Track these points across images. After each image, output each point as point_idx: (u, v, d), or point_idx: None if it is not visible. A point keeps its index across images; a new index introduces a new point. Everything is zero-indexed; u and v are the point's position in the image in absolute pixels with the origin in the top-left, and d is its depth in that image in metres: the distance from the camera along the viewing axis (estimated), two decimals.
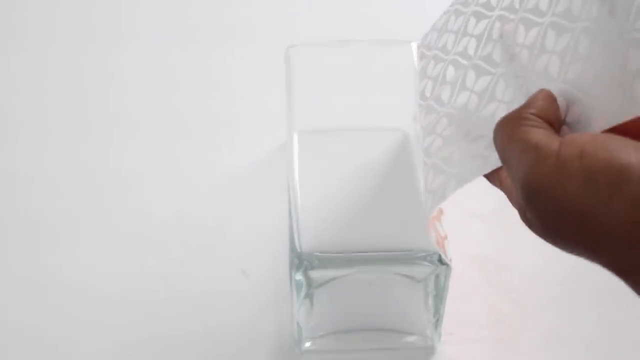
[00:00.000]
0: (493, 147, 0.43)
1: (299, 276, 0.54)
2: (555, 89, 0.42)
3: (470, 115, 0.49)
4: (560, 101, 0.42)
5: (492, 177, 0.45)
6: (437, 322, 0.58)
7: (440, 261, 0.53)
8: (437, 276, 0.54)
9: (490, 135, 0.43)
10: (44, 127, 0.73)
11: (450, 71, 0.52)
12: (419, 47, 0.61)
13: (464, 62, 0.52)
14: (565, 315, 0.61)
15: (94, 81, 0.77)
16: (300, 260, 0.54)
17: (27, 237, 0.66)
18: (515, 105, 0.44)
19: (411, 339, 0.59)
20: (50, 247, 0.65)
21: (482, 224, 0.65)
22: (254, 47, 0.78)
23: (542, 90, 0.42)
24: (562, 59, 0.43)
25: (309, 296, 0.55)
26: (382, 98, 0.61)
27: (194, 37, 0.80)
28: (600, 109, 0.40)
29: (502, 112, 0.46)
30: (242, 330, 0.61)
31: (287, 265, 0.54)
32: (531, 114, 0.40)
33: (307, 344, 0.59)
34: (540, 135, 0.39)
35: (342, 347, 0.59)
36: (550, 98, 0.41)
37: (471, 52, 0.51)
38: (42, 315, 0.62)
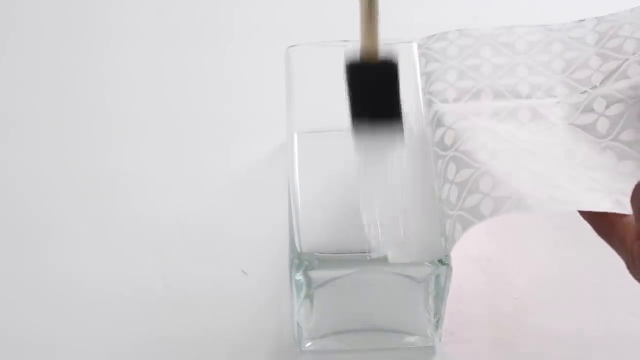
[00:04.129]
0: (611, 189, 0.43)
1: (299, 276, 0.54)
2: None
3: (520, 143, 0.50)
4: None
5: (612, 232, 0.45)
6: (438, 323, 0.58)
7: (441, 261, 0.53)
8: (438, 276, 0.54)
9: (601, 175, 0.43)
10: (44, 128, 0.73)
11: (487, 94, 0.56)
12: (420, 47, 0.61)
13: (509, 95, 0.55)
14: (565, 315, 0.61)
15: (95, 81, 0.77)
16: (300, 260, 0.54)
17: (27, 237, 0.66)
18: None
19: (411, 339, 0.59)
20: (50, 247, 0.65)
21: (482, 224, 0.65)
22: (254, 47, 0.78)
23: None
24: None
25: (309, 296, 0.55)
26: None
27: (194, 37, 0.80)
28: None
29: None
30: (241, 330, 0.61)
31: (287, 265, 0.54)
32: None
33: (307, 344, 0.59)
34: None
35: (342, 347, 0.59)
36: None
37: (522, 93, 0.54)
38: (41, 315, 0.62)
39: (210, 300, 0.62)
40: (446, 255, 0.53)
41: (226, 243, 0.65)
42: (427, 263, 0.54)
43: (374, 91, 0.53)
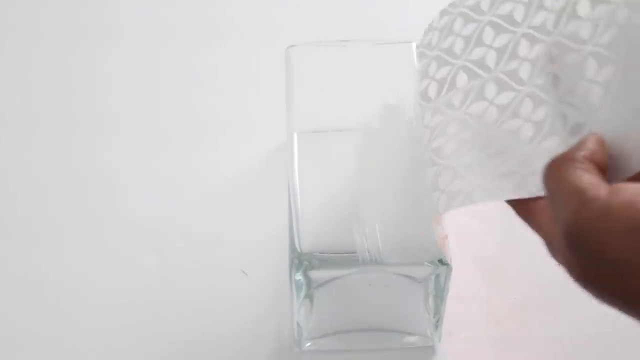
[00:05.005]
0: (529, 168, 0.43)
1: (299, 276, 0.54)
2: (598, 118, 0.43)
3: (487, 127, 0.49)
4: (603, 134, 0.42)
5: (528, 217, 0.44)
6: (438, 322, 0.58)
7: (441, 261, 0.53)
8: (438, 276, 0.54)
9: (515, 152, 0.43)
10: (44, 128, 0.73)
11: (463, 77, 0.53)
12: (418, 47, 0.61)
13: (479, 71, 0.52)
14: (565, 315, 0.61)
15: (94, 82, 0.77)
16: (300, 260, 0.54)
17: (25, 239, 0.66)
18: (546, 126, 0.44)
19: (411, 339, 0.59)
20: (50, 249, 0.65)
21: (482, 224, 0.65)
22: (254, 47, 0.78)
23: (593, 135, 0.42)
24: (605, 90, 0.43)
25: (309, 296, 0.55)
26: (382, 98, 0.61)
27: (194, 36, 0.80)
28: None
29: (528, 131, 0.46)
30: (241, 331, 0.61)
31: (287, 265, 0.54)
32: (583, 156, 0.40)
33: (307, 344, 0.59)
34: (590, 180, 0.39)
35: (342, 347, 0.59)
36: (601, 142, 0.42)
37: (490, 64, 0.51)
38: (39, 317, 0.62)
39: (210, 301, 0.62)
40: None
41: (226, 243, 0.65)
42: (427, 263, 0.54)
43: None
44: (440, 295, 0.55)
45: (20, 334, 0.61)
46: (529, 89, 0.48)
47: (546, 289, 0.63)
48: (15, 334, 0.61)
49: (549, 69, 0.48)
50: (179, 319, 0.61)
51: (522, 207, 0.45)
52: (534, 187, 0.44)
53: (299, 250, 0.54)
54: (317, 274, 0.54)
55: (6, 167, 0.70)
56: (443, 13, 0.57)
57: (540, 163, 0.42)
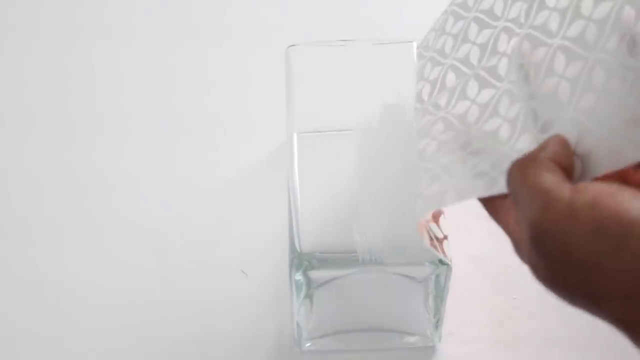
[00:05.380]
0: (500, 169, 0.43)
1: (299, 276, 0.54)
2: (566, 116, 0.42)
3: (469, 127, 0.48)
4: (571, 133, 0.42)
5: (496, 216, 0.44)
6: (438, 323, 0.58)
7: (441, 261, 0.53)
8: (438, 276, 0.54)
9: (493, 152, 0.42)
10: (44, 128, 0.73)
11: (451, 77, 0.52)
12: (418, 47, 0.61)
13: (465, 69, 0.51)
14: (566, 316, 0.61)
15: (95, 81, 0.77)
16: (300, 260, 0.54)
17: (25, 239, 0.66)
18: (519, 124, 0.43)
19: (411, 339, 0.59)
20: (50, 249, 0.65)
21: (482, 224, 0.65)
22: (254, 47, 0.78)
23: (556, 136, 0.42)
24: (573, 86, 0.42)
25: (309, 296, 0.55)
26: (382, 98, 0.61)
27: (194, 36, 0.80)
28: (615, 146, 0.40)
29: (505, 131, 0.46)
30: (241, 331, 0.61)
31: (287, 265, 0.54)
32: (546, 158, 0.40)
33: (307, 344, 0.59)
34: (553, 180, 0.39)
35: (342, 347, 0.59)
36: (564, 144, 0.41)
37: (474, 61, 0.50)
38: (39, 317, 0.62)
39: (210, 301, 0.62)
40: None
41: (226, 243, 0.65)
42: (427, 263, 0.54)
43: None
44: (440, 295, 0.55)
45: (20, 334, 0.61)
46: (506, 86, 0.47)
47: (546, 289, 0.62)
48: (15, 334, 0.61)
49: (521, 64, 0.46)
50: (179, 319, 0.61)
51: (491, 206, 0.44)
52: (502, 186, 0.43)
53: (299, 250, 0.54)
54: (317, 274, 0.54)
55: (6, 167, 0.70)
56: (442, 13, 0.57)
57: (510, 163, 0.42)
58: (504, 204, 0.43)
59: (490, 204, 0.44)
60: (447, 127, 0.50)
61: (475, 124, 0.48)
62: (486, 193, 0.44)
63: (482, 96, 0.49)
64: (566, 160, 0.41)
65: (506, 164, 0.42)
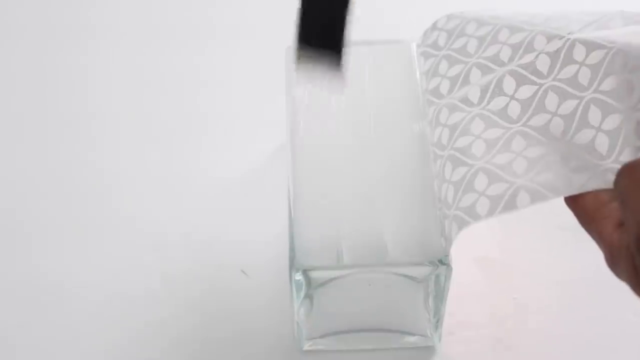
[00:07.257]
0: (584, 172, 0.43)
1: (299, 276, 0.54)
2: None
3: (542, 133, 0.49)
4: None
5: (587, 223, 0.44)
6: (438, 323, 0.58)
7: (441, 261, 0.53)
8: (438, 276, 0.54)
9: (582, 159, 0.43)
10: (44, 128, 0.73)
11: (476, 74, 0.54)
12: (419, 46, 0.61)
13: (494, 67, 0.53)
14: (566, 315, 0.61)
15: (95, 82, 0.77)
16: (300, 261, 0.54)
17: (25, 239, 0.66)
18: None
19: (411, 339, 0.59)
20: (50, 249, 0.65)
21: (483, 224, 0.65)
22: (254, 47, 0.78)
23: None
24: None
25: (309, 296, 0.55)
26: (382, 98, 0.61)
27: (194, 36, 0.80)
28: None
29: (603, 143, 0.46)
30: (241, 331, 0.61)
31: (287, 265, 0.54)
32: None
33: (307, 344, 0.59)
34: None
35: (342, 347, 0.59)
36: None
37: (505, 58, 0.53)
38: (39, 317, 0.62)
39: (210, 300, 0.62)
40: (445, 256, 0.53)
41: (226, 243, 0.65)
42: (427, 263, 0.54)
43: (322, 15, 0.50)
44: (440, 295, 0.55)
45: (20, 334, 0.61)
46: (549, 83, 0.49)
47: (546, 289, 0.63)
48: (15, 334, 0.61)
49: (623, 75, 0.47)
50: (179, 319, 0.61)
51: (583, 214, 0.44)
52: (604, 182, 0.43)
53: (299, 250, 0.54)
54: (317, 274, 0.54)
55: (6, 167, 0.70)
56: (450, 17, 0.58)
57: (575, 163, 0.43)
58: (598, 213, 0.43)
59: (584, 212, 0.44)
60: (488, 123, 0.51)
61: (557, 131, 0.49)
62: (597, 187, 0.44)
63: (522, 92, 0.51)
64: None
65: (573, 162, 0.42)
